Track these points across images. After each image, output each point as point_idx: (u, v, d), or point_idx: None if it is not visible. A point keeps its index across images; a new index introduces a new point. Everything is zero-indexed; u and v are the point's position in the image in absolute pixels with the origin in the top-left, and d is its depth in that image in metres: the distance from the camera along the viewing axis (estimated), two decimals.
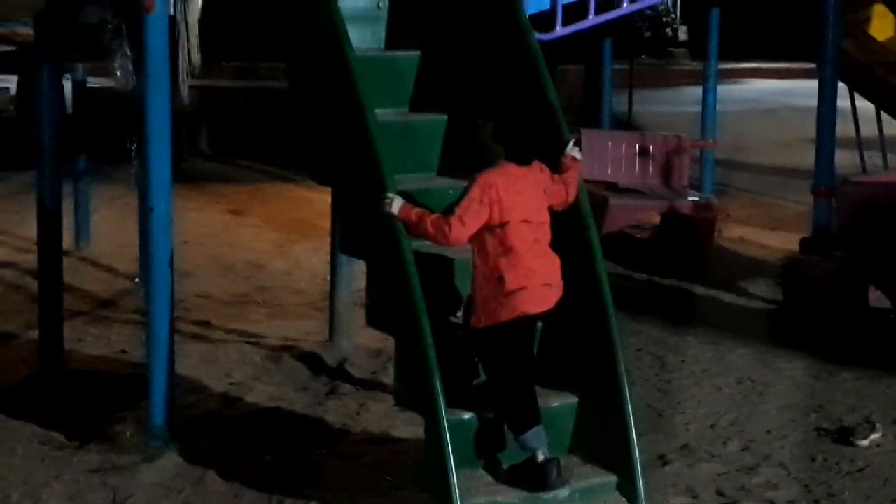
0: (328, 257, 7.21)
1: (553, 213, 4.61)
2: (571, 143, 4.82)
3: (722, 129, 11.05)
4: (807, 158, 9.14)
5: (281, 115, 6.06)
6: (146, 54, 5.10)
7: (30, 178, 7.80)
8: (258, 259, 9.12)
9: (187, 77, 5.33)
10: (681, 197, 9.19)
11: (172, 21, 5.17)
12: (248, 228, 10.27)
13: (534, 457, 4.42)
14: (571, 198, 4.72)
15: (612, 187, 9.31)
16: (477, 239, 4.52)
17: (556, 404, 4.65)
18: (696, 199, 9.28)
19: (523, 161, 4.57)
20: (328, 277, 7.15)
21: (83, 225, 9.29)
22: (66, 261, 6.76)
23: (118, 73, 5.41)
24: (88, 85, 9.43)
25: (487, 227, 4.49)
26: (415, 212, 4.51)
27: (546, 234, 4.58)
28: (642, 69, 15.70)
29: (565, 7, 6.11)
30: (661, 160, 9.39)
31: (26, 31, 7.57)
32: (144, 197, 5.43)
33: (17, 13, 6.53)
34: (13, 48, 8.80)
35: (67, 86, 8.18)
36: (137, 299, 7.46)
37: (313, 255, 8.99)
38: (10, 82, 13.47)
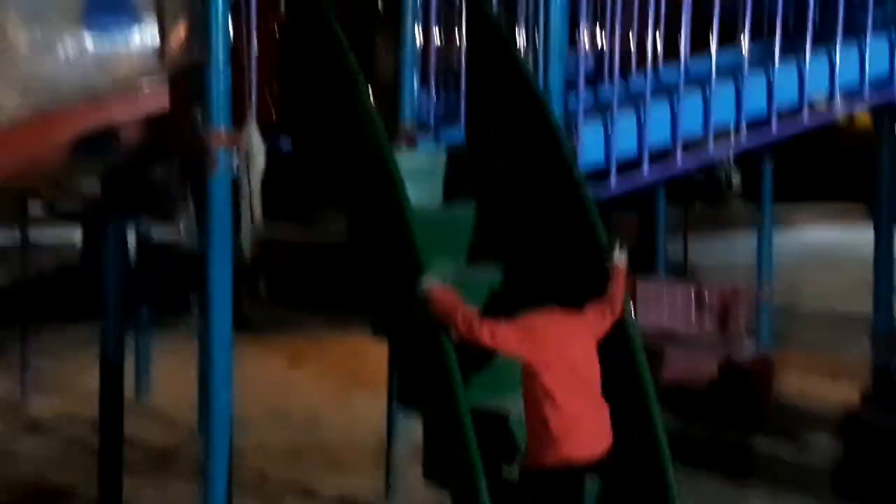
0: (385, 409, 7.22)
1: (608, 361, 4.61)
2: (617, 250, 4.86)
3: (778, 276, 11.02)
4: (864, 306, 9.09)
5: (340, 267, 6.16)
6: (210, 214, 5.24)
7: (93, 328, 7.93)
8: (315, 409, 9.14)
9: (249, 234, 5.44)
10: (738, 347, 9.16)
11: (235, 181, 5.30)
12: (305, 378, 10.31)
13: None
14: (617, 312, 4.74)
15: (669, 337, 9.30)
16: (523, 384, 4.54)
17: None
18: (753, 348, 9.24)
19: (573, 308, 4.60)
20: (385, 430, 7.15)
21: (144, 375, 9.39)
22: (127, 412, 6.83)
23: (182, 232, 5.54)
24: (152, 237, 9.62)
25: (529, 371, 4.50)
26: (451, 299, 4.52)
27: (594, 382, 4.58)
28: (697, 215, 15.75)
29: (620, 161, 6.18)
30: (717, 309, 9.39)
31: (94, 188, 7.81)
32: (206, 350, 5.50)
33: (87, 173, 6.73)
34: (81, 204, 9.04)
35: (131, 237, 8.38)
36: (198, 450, 7.48)
37: (370, 406, 8.98)
38: (76, 235, 13.76)
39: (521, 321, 4.53)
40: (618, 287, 4.76)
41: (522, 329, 4.51)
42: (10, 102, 4.98)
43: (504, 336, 4.49)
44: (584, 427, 4.47)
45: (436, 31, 6.92)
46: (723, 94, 6.44)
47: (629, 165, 6.33)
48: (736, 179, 19.50)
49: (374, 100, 5.33)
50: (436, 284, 4.56)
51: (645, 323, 8.91)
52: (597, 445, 4.51)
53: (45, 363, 10.09)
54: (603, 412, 4.56)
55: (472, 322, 4.48)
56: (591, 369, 4.58)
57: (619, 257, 4.84)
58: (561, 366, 4.49)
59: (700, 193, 14.18)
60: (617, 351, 4.70)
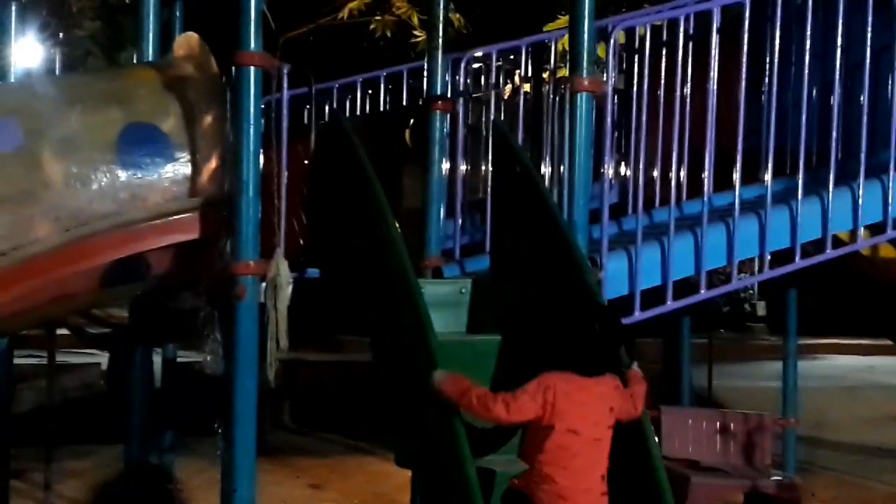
0: None
1: (629, 483, 4.59)
2: (634, 364, 4.94)
3: (803, 406, 10.94)
4: (892, 436, 9.02)
5: (363, 391, 6.19)
6: (236, 340, 5.30)
7: (118, 451, 7.93)
8: None
9: (274, 361, 5.48)
10: (764, 476, 9.06)
11: (262, 307, 5.36)
12: (327, 502, 10.25)
13: None
14: (638, 411, 4.77)
15: (694, 465, 9.22)
16: (531, 435, 4.60)
17: None
18: (779, 478, 9.15)
19: (590, 372, 4.62)
20: None
21: None
22: None
23: (208, 358, 5.59)
24: (178, 360, 9.66)
25: (537, 426, 4.53)
26: (462, 384, 4.57)
27: (602, 452, 4.60)
28: (721, 343, 15.72)
29: (645, 290, 6.23)
30: (742, 438, 9.32)
31: (121, 313, 7.89)
32: (228, 476, 5.50)
33: (117, 300, 6.82)
34: (108, 329, 9.10)
35: (157, 360, 8.43)
36: None
37: None
38: (101, 356, 13.83)
39: (539, 379, 4.58)
40: (638, 388, 4.80)
41: (537, 386, 4.55)
42: (43, 233, 5.08)
43: (518, 403, 4.54)
44: (582, 487, 4.50)
45: (462, 162, 7.04)
46: (747, 227, 6.50)
47: (653, 294, 6.38)
48: (760, 307, 19.52)
49: (400, 229, 5.42)
50: (442, 377, 4.64)
51: (669, 451, 8.85)
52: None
53: (68, 486, 10.08)
54: (601, 486, 4.57)
55: (487, 399, 4.55)
56: (600, 439, 4.60)
57: (634, 368, 4.92)
58: (566, 428, 4.52)
59: (724, 322, 14.19)
60: (638, 472, 4.70)
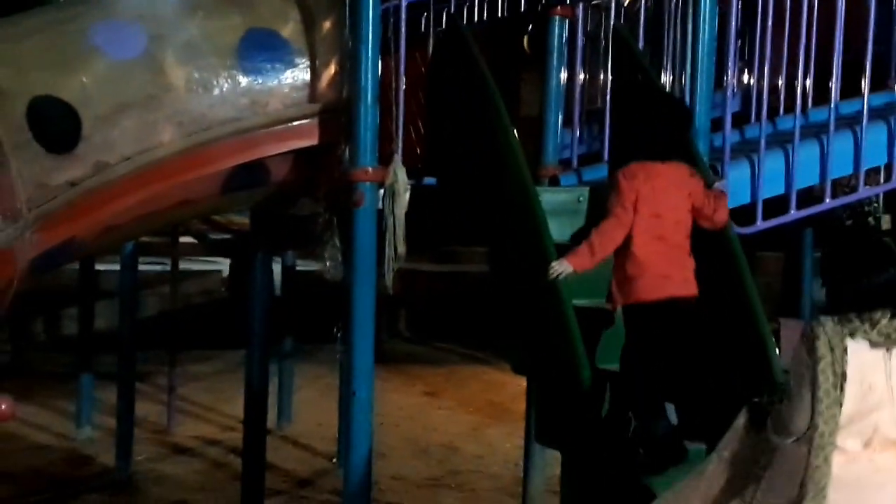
0: (522, 442, 7.24)
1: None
2: (718, 182, 5.08)
3: None
4: None
5: (479, 300, 6.20)
6: (355, 246, 5.34)
7: (238, 357, 8.12)
8: (452, 441, 9.19)
9: (392, 267, 5.52)
10: None
11: (380, 214, 5.39)
12: (442, 410, 10.38)
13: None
14: (719, 218, 4.87)
15: None
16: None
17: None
18: None
19: (661, 156, 4.75)
20: (521, 462, 7.16)
21: (286, 404, 9.54)
22: (268, 439, 6.95)
23: (328, 264, 5.64)
24: (297, 268, 9.81)
25: None
26: (579, 249, 4.74)
27: (683, 235, 4.75)
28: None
29: (766, 200, 6.11)
30: None
31: (242, 219, 8.01)
32: (347, 381, 5.58)
33: (237, 207, 6.91)
34: (229, 235, 9.27)
35: (277, 268, 8.57)
36: (335, 479, 7.60)
37: (507, 439, 9.02)
38: (222, 264, 14.11)
39: (623, 173, 4.74)
40: (717, 193, 4.92)
41: (626, 181, 4.71)
42: (166, 137, 5.14)
43: (624, 206, 4.68)
44: (661, 271, 4.65)
45: (580, 70, 6.95)
46: (875, 135, 6.32)
47: (776, 204, 6.26)
48: (885, 221, 19.07)
49: (518, 137, 5.39)
50: (565, 264, 4.74)
51: (788, 363, 8.74)
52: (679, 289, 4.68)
53: (190, 389, 10.36)
54: (687, 265, 4.75)
55: (604, 231, 4.72)
56: (679, 221, 4.77)
57: (718, 186, 5.03)
58: (649, 213, 4.67)
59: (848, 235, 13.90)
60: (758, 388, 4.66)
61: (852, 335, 3.63)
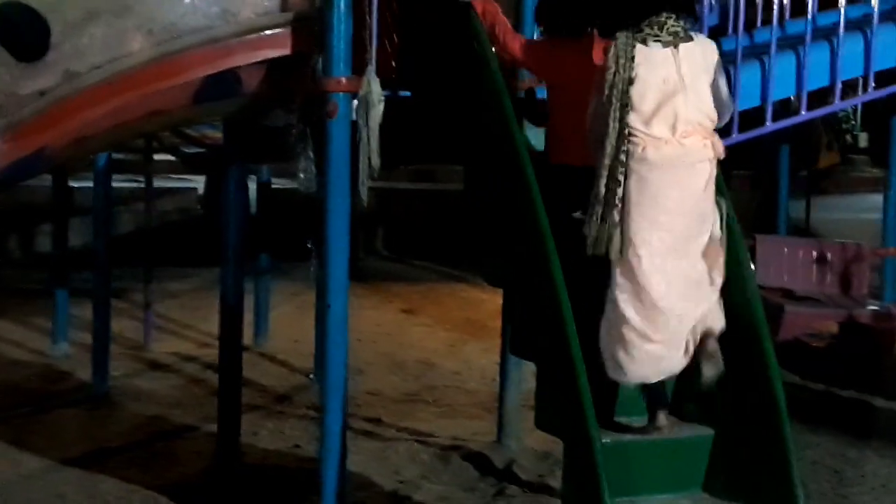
0: (498, 358, 7.26)
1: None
2: None
3: None
4: None
5: (455, 218, 6.18)
6: (328, 158, 5.30)
7: (213, 274, 8.08)
8: (429, 358, 9.23)
9: (367, 180, 5.48)
10: (860, 306, 8.99)
11: (354, 126, 5.34)
12: (419, 327, 10.41)
13: None
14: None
15: (788, 295, 9.16)
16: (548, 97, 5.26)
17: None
18: (875, 308, 9.05)
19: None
20: (497, 378, 7.19)
21: (262, 321, 9.54)
22: (244, 356, 6.97)
23: (301, 176, 5.59)
24: (272, 186, 9.76)
25: (551, 85, 5.29)
26: (492, 8, 5.17)
27: None
28: (820, 174, 15.43)
29: (742, 113, 6.09)
30: (839, 268, 9.22)
31: (215, 133, 7.93)
32: (322, 295, 5.57)
33: (209, 118, 6.84)
34: (202, 150, 9.19)
35: (252, 186, 8.51)
36: (312, 395, 7.62)
37: (483, 355, 9.05)
38: (197, 181, 14.04)
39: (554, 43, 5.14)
40: None
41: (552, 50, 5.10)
42: (136, 46, 5.07)
43: (532, 52, 5.17)
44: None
45: None
46: (851, 46, 6.29)
47: (752, 117, 6.25)
48: (862, 139, 19.10)
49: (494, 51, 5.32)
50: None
51: (764, 281, 8.78)
52: None
53: (166, 306, 10.35)
54: None
55: (507, 34, 5.15)
56: None
57: None
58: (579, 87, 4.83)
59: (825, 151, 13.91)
60: (734, 303, 4.66)
61: (644, 42, 4.50)
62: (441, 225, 12.79)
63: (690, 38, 4.57)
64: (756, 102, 6.10)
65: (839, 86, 6.32)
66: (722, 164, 4.78)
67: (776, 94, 6.12)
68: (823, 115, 6.87)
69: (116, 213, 10.65)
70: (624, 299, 4.49)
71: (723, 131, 5.89)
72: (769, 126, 6.11)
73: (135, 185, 11.61)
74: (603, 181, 4.49)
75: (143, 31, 5.07)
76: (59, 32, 4.88)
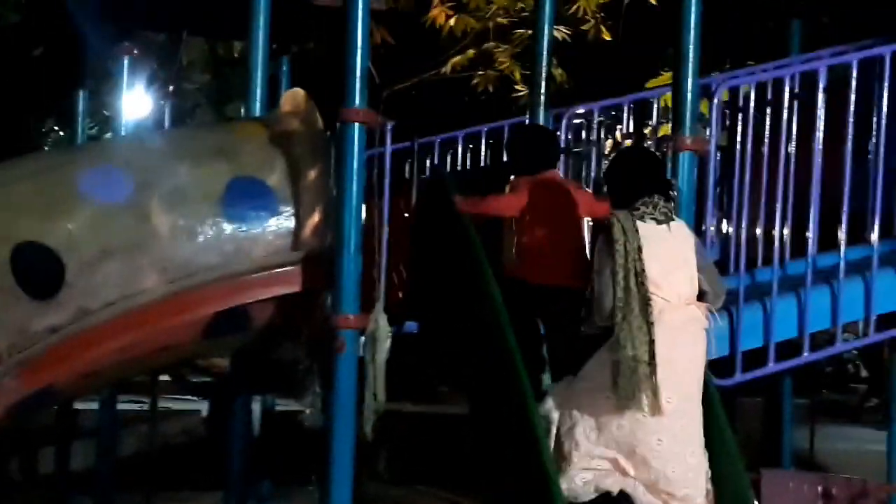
0: None
1: None
2: None
3: None
4: None
5: (461, 442, 6.19)
6: (335, 393, 5.34)
7: (216, 498, 8.00)
8: None
9: (372, 414, 5.51)
10: None
11: (361, 361, 5.40)
12: None
13: None
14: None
15: None
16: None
17: None
18: None
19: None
20: None
21: None
22: None
23: (308, 412, 5.63)
24: (277, 409, 9.73)
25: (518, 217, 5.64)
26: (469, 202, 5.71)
27: (569, 239, 5.60)
28: (824, 404, 15.42)
29: (745, 352, 6.16)
30: (845, 503, 9.10)
31: (222, 362, 7.99)
32: None
33: (218, 351, 6.91)
34: (209, 378, 9.23)
35: (256, 407, 8.50)
36: None
37: None
38: (202, 403, 13.98)
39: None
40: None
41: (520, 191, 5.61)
42: (150, 283, 5.18)
43: (504, 201, 5.67)
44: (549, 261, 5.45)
45: None
46: (852, 290, 6.38)
47: (755, 355, 6.30)
48: (863, 368, 19.12)
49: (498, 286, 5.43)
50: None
51: None
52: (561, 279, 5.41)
53: None
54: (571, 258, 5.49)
55: (481, 205, 5.68)
56: (571, 228, 5.66)
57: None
58: (545, 215, 5.52)
59: (827, 382, 13.92)
60: None
61: (642, 219, 5.01)
62: (446, 448, 12.70)
63: (674, 219, 5.17)
64: (759, 343, 6.16)
65: (840, 330, 6.39)
66: (727, 394, 4.88)
67: (779, 335, 6.19)
68: (826, 357, 6.91)
69: (120, 436, 10.60)
70: None
71: (726, 371, 5.99)
72: (772, 367, 6.16)
73: (138, 406, 11.57)
74: (631, 342, 4.80)
75: (157, 269, 5.19)
76: (73, 270, 4.99)
